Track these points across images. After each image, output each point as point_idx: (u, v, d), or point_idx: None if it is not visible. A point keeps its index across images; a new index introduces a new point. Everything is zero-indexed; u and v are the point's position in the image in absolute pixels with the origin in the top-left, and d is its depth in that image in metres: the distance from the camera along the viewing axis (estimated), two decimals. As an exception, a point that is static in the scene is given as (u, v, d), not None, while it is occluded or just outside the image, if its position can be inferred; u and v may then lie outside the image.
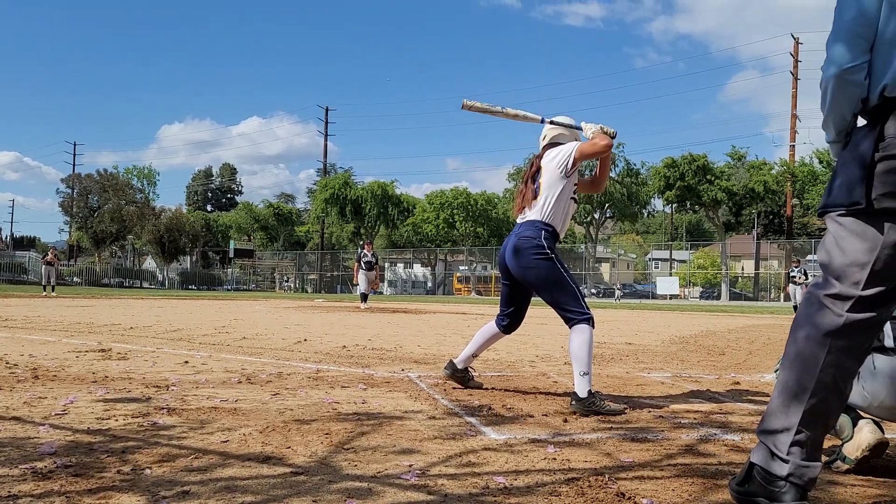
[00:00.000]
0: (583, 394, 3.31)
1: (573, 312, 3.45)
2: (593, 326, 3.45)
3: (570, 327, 3.47)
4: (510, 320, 3.87)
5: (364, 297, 17.56)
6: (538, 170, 3.67)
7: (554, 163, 3.58)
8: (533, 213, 3.62)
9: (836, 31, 1.78)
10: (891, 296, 1.78)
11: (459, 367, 4.00)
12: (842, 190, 1.78)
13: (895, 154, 1.68)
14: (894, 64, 1.70)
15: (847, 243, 1.78)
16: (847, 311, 1.76)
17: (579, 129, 3.71)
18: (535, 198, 3.63)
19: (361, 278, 17.54)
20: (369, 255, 17.57)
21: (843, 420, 2.33)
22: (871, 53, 1.74)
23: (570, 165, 3.55)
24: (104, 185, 55.41)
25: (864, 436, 2.27)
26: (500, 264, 3.81)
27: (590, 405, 3.28)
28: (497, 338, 3.96)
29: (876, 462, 2.33)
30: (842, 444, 2.34)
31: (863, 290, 1.75)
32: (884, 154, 1.70)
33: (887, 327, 2.31)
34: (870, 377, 2.32)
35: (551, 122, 3.76)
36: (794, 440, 1.79)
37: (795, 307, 19.66)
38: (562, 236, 3.71)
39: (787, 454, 1.78)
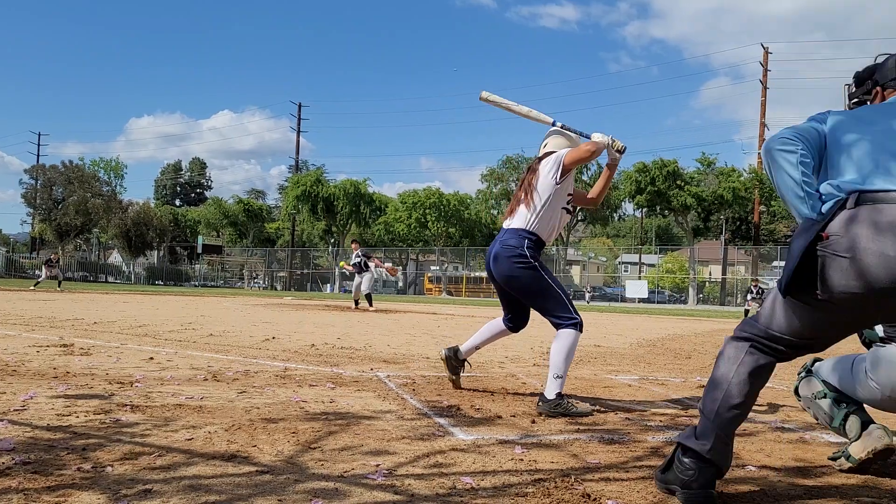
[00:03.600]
0: (551, 395, 3.33)
1: (560, 318, 3.44)
2: (581, 331, 3.43)
3: (557, 331, 3.47)
4: (515, 322, 3.81)
5: (368, 299, 15.77)
6: (534, 175, 3.59)
7: (546, 168, 3.53)
8: (518, 221, 3.56)
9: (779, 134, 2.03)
10: (808, 349, 2.07)
11: (462, 356, 3.92)
12: (786, 274, 1.94)
13: (836, 252, 1.82)
14: (844, 171, 1.92)
15: (788, 316, 2.00)
16: (764, 353, 2.05)
17: (587, 137, 3.62)
18: (526, 204, 3.56)
19: (361, 280, 15.70)
20: (354, 258, 15.81)
21: (854, 421, 2.40)
22: (816, 157, 1.99)
23: (559, 172, 3.48)
24: (69, 176, 54.28)
25: (871, 439, 2.34)
26: (487, 271, 3.73)
27: (556, 407, 3.29)
28: (504, 334, 3.87)
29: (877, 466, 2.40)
30: (849, 444, 2.40)
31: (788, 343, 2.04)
32: (825, 251, 1.85)
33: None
34: (882, 367, 2.34)
35: (562, 126, 3.70)
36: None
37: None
38: (549, 244, 3.67)
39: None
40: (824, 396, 2.52)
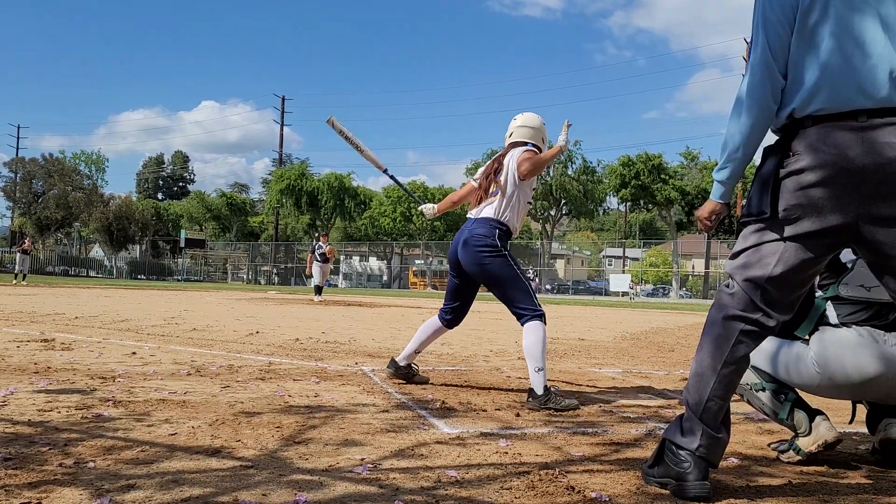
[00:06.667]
0: (539, 390, 3.34)
1: (525, 309, 3.48)
2: (545, 323, 3.48)
3: (522, 324, 3.49)
4: (454, 315, 3.87)
5: (318, 290, 17.18)
6: (500, 167, 3.69)
7: (512, 165, 3.63)
8: (488, 211, 3.66)
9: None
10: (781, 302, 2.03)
11: (402, 364, 3.95)
12: (752, 202, 1.97)
13: (798, 169, 1.88)
14: (801, 89, 1.90)
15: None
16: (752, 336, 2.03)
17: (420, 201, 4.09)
18: (492, 195, 3.67)
19: (316, 270, 17.20)
20: (324, 248, 17.17)
21: (801, 415, 2.42)
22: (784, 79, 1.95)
23: (517, 177, 3.60)
24: (49, 169, 53.67)
25: (821, 432, 2.37)
26: (450, 258, 3.79)
27: (545, 402, 3.31)
28: (440, 333, 3.93)
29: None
30: (795, 437, 2.43)
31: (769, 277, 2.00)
32: (788, 171, 1.91)
33: (830, 308, 2.41)
34: (830, 351, 2.35)
35: (392, 177, 4.53)
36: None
37: None
38: (515, 235, 3.73)
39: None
40: (762, 389, 2.50)
